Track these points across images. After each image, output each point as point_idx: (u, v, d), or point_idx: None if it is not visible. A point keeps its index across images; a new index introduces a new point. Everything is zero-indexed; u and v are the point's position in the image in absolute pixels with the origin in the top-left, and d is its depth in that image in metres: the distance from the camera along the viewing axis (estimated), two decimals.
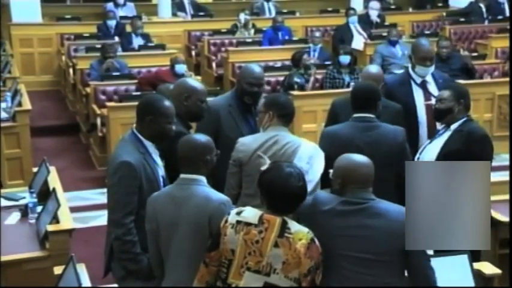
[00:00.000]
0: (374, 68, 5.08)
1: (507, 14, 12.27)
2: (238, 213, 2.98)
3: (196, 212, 3.13)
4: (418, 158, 4.32)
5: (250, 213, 2.96)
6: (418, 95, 4.98)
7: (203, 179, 3.23)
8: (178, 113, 3.74)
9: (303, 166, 3.56)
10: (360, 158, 3.17)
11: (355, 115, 4.15)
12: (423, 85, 5.00)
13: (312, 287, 2.90)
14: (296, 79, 8.16)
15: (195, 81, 4.16)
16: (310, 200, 3.11)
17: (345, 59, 8.26)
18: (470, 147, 4.15)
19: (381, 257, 2.97)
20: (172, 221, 3.17)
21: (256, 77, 4.35)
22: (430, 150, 4.30)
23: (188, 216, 3.14)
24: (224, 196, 3.26)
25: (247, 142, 3.83)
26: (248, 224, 2.92)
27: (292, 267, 2.86)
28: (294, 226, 2.91)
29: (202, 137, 3.30)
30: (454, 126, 4.30)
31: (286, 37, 10.80)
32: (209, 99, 4.15)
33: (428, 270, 3.04)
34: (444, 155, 4.16)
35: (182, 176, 3.23)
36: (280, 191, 2.92)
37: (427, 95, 4.97)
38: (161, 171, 3.58)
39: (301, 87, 8.01)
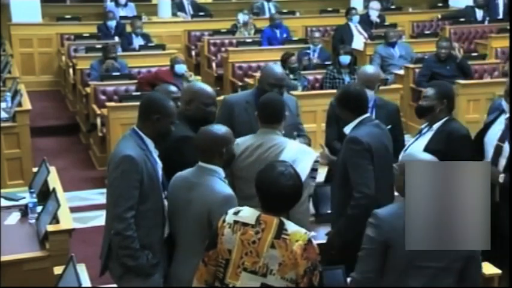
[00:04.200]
0: (370, 69, 5.00)
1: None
2: (236, 213, 2.98)
3: (200, 200, 3.33)
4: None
5: (248, 213, 2.96)
6: (495, 128, 4.34)
7: (219, 170, 3.41)
8: (185, 117, 3.79)
9: None
10: (426, 156, 3.12)
11: (363, 117, 3.95)
12: (510, 121, 4.29)
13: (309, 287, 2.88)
14: None
15: (201, 85, 4.08)
16: (374, 222, 2.99)
17: (345, 59, 8.24)
18: (451, 147, 4.07)
19: (451, 265, 2.98)
20: (183, 202, 3.40)
21: (277, 78, 4.33)
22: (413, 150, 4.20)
23: (191, 201, 3.36)
24: (229, 191, 3.37)
25: (238, 143, 3.76)
26: (245, 224, 2.92)
27: (289, 269, 2.85)
28: (291, 227, 2.90)
29: (221, 128, 3.47)
30: (436, 126, 4.24)
31: (285, 35, 10.80)
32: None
33: (478, 279, 3.10)
34: None
35: (200, 164, 3.42)
36: (270, 190, 2.92)
37: (505, 133, 4.28)
38: (160, 170, 3.57)
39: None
